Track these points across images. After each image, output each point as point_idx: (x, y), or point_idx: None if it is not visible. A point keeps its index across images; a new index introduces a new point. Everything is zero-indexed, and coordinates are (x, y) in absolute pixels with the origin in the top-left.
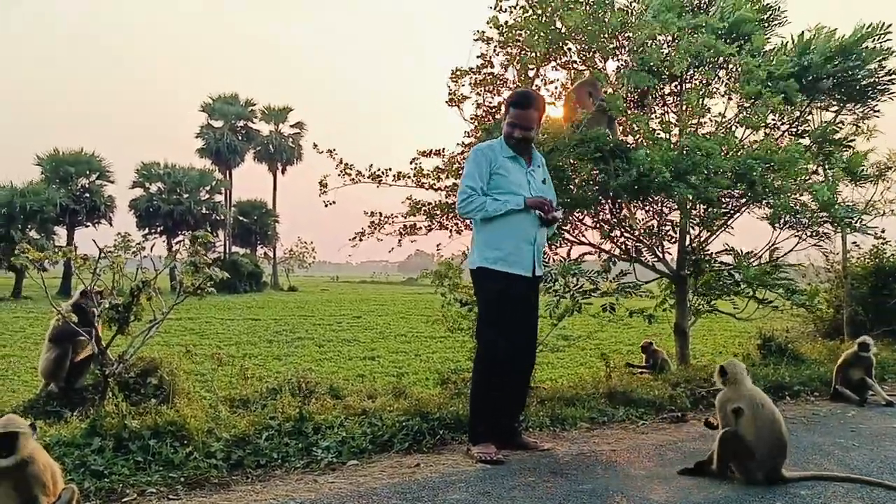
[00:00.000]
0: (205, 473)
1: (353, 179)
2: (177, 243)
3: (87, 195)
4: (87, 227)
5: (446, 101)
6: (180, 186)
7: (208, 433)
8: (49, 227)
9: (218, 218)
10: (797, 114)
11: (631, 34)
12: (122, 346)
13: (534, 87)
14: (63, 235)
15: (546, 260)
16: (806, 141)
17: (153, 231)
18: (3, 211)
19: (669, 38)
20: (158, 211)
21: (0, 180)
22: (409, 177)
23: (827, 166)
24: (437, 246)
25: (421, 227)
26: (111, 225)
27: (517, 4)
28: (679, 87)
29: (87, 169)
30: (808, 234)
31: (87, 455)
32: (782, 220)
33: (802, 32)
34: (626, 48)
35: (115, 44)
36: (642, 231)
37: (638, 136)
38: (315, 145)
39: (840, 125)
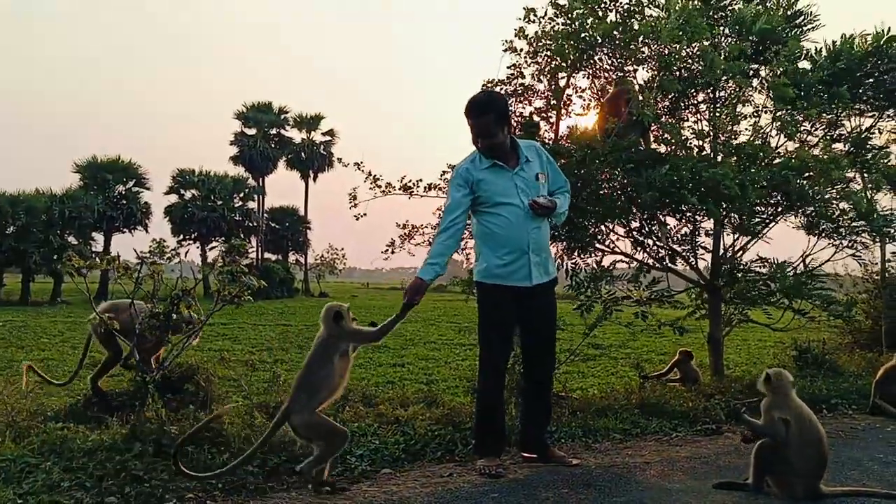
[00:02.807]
0: (241, 480)
1: (384, 191)
2: (210, 249)
3: (124, 202)
4: (123, 233)
5: None
6: (214, 193)
7: (244, 440)
8: (87, 233)
9: (251, 225)
10: (833, 119)
11: (659, 39)
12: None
13: (565, 97)
14: (101, 241)
15: (577, 270)
16: (842, 145)
17: (188, 237)
18: (42, 217)
19: (697, 47)
20: (193, 217)
21: (40, 186)
22: (439, 188)
23: (865, 174)
24: (468, 257)
25: None
26: (147, 231)
27: (545, 15)
28: (713, 95)
29: (123, 176)
30: (846, 243)
31: (128, 460)
32: (819, 229)
33: (835, 40)
34: (656, 55)
35: (150, 52)
36: (674, 240)
37: (671, 144)
38: (340, 160)
39: (878, 132)
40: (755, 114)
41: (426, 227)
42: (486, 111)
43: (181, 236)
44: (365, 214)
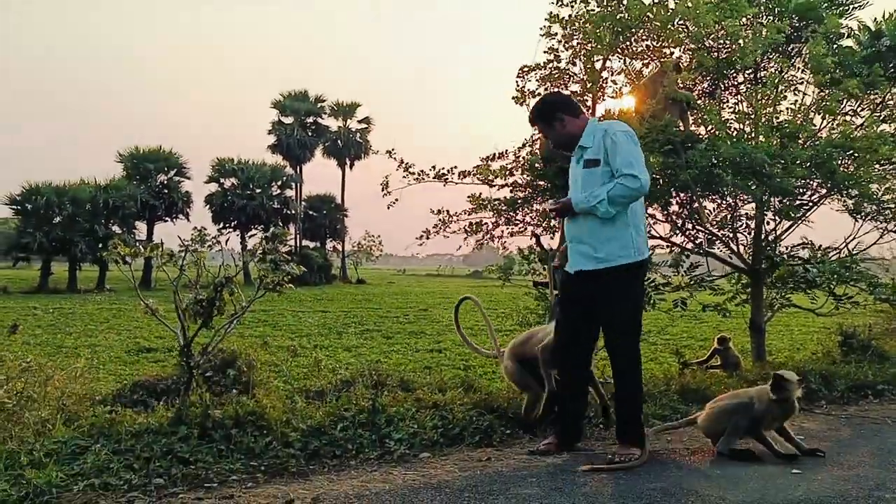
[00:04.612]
0: (283, 462)
1: (417, 179)
2: (250, 237)
3: (166, 191)
4: (165, 221)
5: (513, 98)
6: (253, 182)
7: (286, 423)
8: (130, 222)
9: (289, 212)
10: (879, 100)
11: (697, 18)
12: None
13: (601, 79)
14: (143, 230)
15: None
16: (889, 127)
17: (227, 226)
18: (87, 206)
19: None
20: (232, 206)
21: (84, 176)
22: (476, 175)
23: None
24: (503, 244)
25: (487, 223)
26: (188, 220)
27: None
28: (753, 76)
29: (165, 166)
30: (891, 226)
31: (174, 442)
32: (863, 212)
33: (876, 17)
34: (694, 35)
35: (189, 41)
36: (714, 223)
37: (710, 126)
38: (370, 148)
39: None
40: (795, 91)
41: (461, 214)
42: (534, 117)
43: (221, 224)
44: (397, 200)
